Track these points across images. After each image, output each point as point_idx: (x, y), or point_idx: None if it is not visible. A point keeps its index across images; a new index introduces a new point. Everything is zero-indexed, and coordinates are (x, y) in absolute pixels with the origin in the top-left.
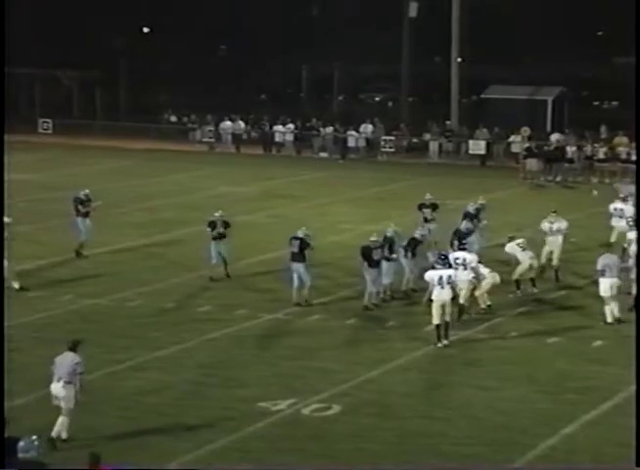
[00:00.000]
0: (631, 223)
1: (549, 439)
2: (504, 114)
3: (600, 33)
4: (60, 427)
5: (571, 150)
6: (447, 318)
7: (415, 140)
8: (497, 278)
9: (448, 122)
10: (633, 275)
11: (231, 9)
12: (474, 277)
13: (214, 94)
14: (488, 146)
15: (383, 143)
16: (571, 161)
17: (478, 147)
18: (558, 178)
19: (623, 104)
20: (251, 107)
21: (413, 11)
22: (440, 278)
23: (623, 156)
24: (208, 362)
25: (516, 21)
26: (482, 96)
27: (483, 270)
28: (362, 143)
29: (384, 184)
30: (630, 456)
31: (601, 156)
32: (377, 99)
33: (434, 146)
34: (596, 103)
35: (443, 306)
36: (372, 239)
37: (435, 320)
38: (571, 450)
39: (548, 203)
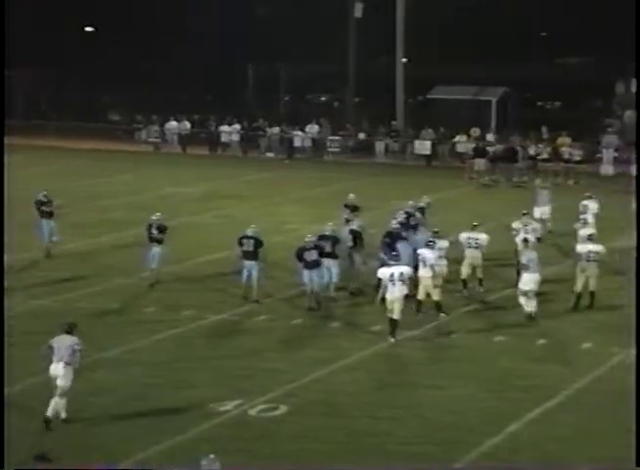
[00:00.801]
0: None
1: (494, 437)
2: (449, 114)
3: (543, 34)
4: (57, 407)
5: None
6: (396, 316)
7: (362, 136)
8: (444, 270)
9: (394, 123)
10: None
11: (178, 9)
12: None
13: (160, 94)
14: (434, 146)
15: (329, 143)
16: (515, 160)
17: (423, 147)
18: (514, 178)
19: (566, 104)
20: (197, 107)
21: (358, 11)
22: (392, 275)
23: (566, 156)
24: (156, 363)
25: (461, 22)
26: (428, 96)
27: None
28: (308, 143)
29: (330, 184)
30: (572, 452)
31: (545, 156)
32: (323, 99)
33: (379, 146)
34: (539, 103)
35: (393, 303)
36: (307, 239)
37: (393, 315)
38: (514, 448)
39: (495, 202)
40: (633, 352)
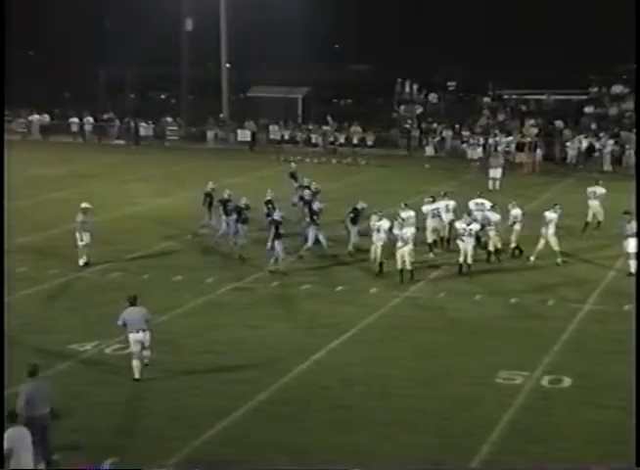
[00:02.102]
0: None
1: (302, 364)
2: (265, 108)
3: (337, 46)
4: (139, 368)
5: (315, 136)
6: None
7: (194, 129)
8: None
9: (221, 115)
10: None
11: (43, 13)
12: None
13: (26, 91)
14: (254, 134)
15: (168, 132)
16: (315, 145)
17: (245, 135)
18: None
19: (355, 101)
20: (57, 103)
21: (189, 26)
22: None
23: (356, 141)
24: (26, 314)
25: (273, 32)
26: (248, 94)
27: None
28: (151, 132)
29: (170, 165)
30: (363, 373)
31: (342, 141)
32: (162, 97)
33: (210, 134)
34: (335, 100)
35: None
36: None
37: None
38: (319, 371)
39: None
40: (408, 294)
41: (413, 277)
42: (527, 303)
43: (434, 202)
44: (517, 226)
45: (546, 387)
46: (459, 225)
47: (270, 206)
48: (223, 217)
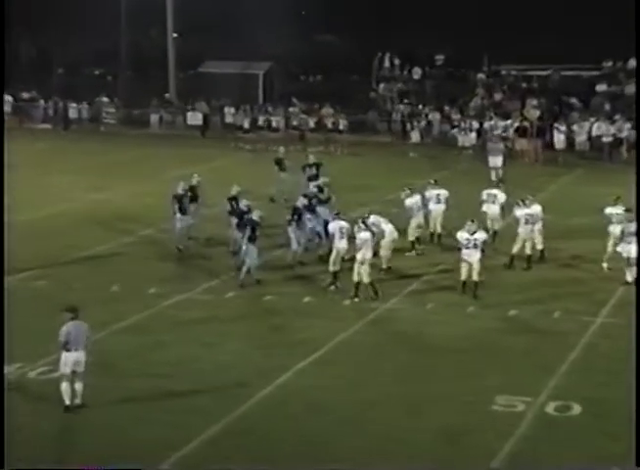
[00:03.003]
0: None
1: (264, 389)
2: (219, 87)
3: (304, 13)
4: (78, 392)
5: (275, 120)
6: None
7: (135, 112)
8: (395, 235)
9: (167, 95)
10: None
11: None
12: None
13: None
14: (206, 118)
15: (104, 114)
16: (276, 130)
17: (196, 118)
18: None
19: (326, 78)
20: None
21: None
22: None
23: (330, 125)
24: None
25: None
26: (199, 70)
27: (384, 226)
28: (84, 114)
29: (106, 155)
30: (334, 398)
31: (311, 125)
32: (97, 73)
33: (154, 118)
34: (302, 77)
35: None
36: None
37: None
38: (283, 397)
39: (266, 167)
40: (389, 306)
41: (377, 293)
42: (529, 315)
43: (412, 194)
44: (538, 226)
45: (552, 415)
46: (460, 235)
47: (234, 203)
48: (178, 215)
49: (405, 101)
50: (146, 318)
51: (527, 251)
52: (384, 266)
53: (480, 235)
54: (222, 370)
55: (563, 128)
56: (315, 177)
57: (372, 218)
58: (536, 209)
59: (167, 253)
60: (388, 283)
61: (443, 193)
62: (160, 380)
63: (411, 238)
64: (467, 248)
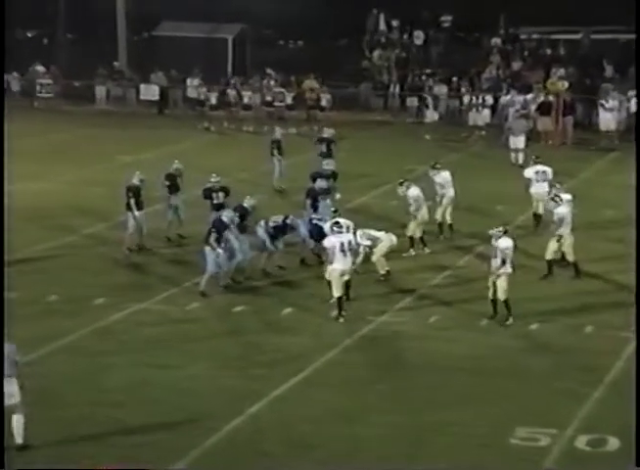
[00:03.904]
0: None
1: (235, 419)
2: (180, 54)
3: None
4: (18, 430)
5: (248, 94)
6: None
7: (77, 84)
8: (394, 239)
9: (116, 64)
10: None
11: None
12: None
13: None
14: (164, 91)
15: (39, 88)
16: (248, 107)
17: (151, 92)
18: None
19: (308, 44)
20: None
21: None
22: (342, 245)
23: (310, 102)
24: None
25: None
26: (154, 33)
27: (375, 233)
28: (15, 87)
29: (44, 135)
30: (321, 431)
31: (289, 101)
32: (29, 35)
33: (100, 91)
34: (281, 42)
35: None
36: None
37: (337, 292)
38: (257, 430)
39: (238, 151)
40: (386, 318)
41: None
42: (555, 330)
43: (409, 185)
44: (567, 229)
45: (583, 450)
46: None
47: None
48: (133, 213)
49: (404, 70)
50: (91, 335)
51: (570, 258)
52: (381, 272)
53: (505, 243)
54: (183, 398)
55: (610, 104)
56: (327, 155)
57: (358, 236)
58: (566, 207)
59: (118, 255)
60: (385, 291)
61: (446, 177)
62: (109, 409)
63: (418, 235)
64: (496, 258)
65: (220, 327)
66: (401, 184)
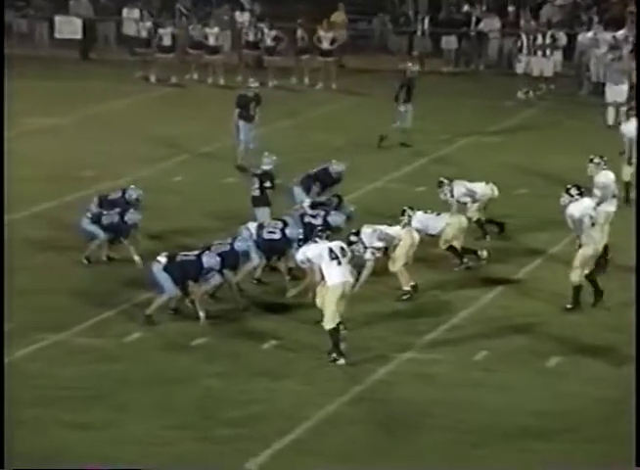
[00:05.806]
0: None
1: None
2: None
3: None
4: None
5: (213, 32)
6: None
7: None
8: (463, 221)
9: None
10: None
11: None
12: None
13: None
14: (87, 26)
15: None
16: (214, 50)
17: (71, 29)
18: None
19: None
20: None
21: None
22: (331, 251)
23: (300, 43)
24: None
25: None
26: None
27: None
28: None
29: None
30: None
31: (269, 42)
32: None
33: None
34: None
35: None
36: None
37: (332, 322)
38: None
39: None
40: (410, 354)
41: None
42: None
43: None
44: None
45: None
46: None
47: None
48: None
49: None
50: None
51: None
52: (405, 288)
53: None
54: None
55: None
56: None
57: (366, 234)
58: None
59: (31, 264)
60: (409, 315)
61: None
62: None
63: (458, 245)
64: None
65: (171, 368)
66: (441, 185)
